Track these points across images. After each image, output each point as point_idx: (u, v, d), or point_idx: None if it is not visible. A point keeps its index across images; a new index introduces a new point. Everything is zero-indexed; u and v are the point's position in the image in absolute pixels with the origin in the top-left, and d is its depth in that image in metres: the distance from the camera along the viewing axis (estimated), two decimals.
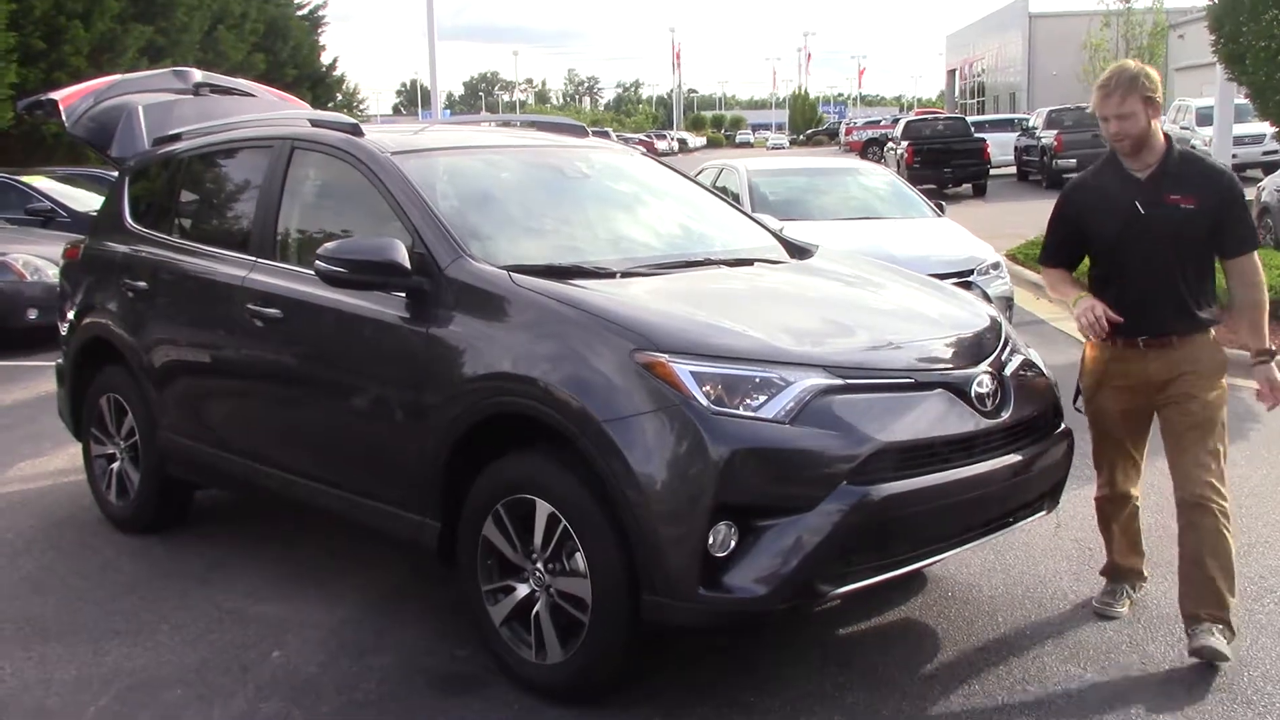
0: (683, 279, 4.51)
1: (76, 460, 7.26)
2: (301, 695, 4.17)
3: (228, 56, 25.09)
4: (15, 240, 12.10)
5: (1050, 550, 5.35)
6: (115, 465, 5.99)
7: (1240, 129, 29.54)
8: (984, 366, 4.07)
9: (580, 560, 3.86)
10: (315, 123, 5.25)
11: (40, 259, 11.50)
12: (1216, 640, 4.11)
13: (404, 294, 4.36)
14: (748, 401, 3.64)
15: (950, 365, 4.02)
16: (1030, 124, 35.30)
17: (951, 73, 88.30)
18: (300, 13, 31.28)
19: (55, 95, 6.60)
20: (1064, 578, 5.07)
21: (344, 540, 5.60)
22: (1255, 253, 4.35)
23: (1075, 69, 54.05)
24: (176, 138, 6.10)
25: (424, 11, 24.47)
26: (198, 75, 7.05)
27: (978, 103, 76.11)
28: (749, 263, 4.84)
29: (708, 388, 3.63)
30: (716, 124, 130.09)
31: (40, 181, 15.10)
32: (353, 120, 5.08)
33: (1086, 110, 32.93)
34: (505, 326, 4.08)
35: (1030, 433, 4.17)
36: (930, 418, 3.83)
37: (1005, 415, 4.02)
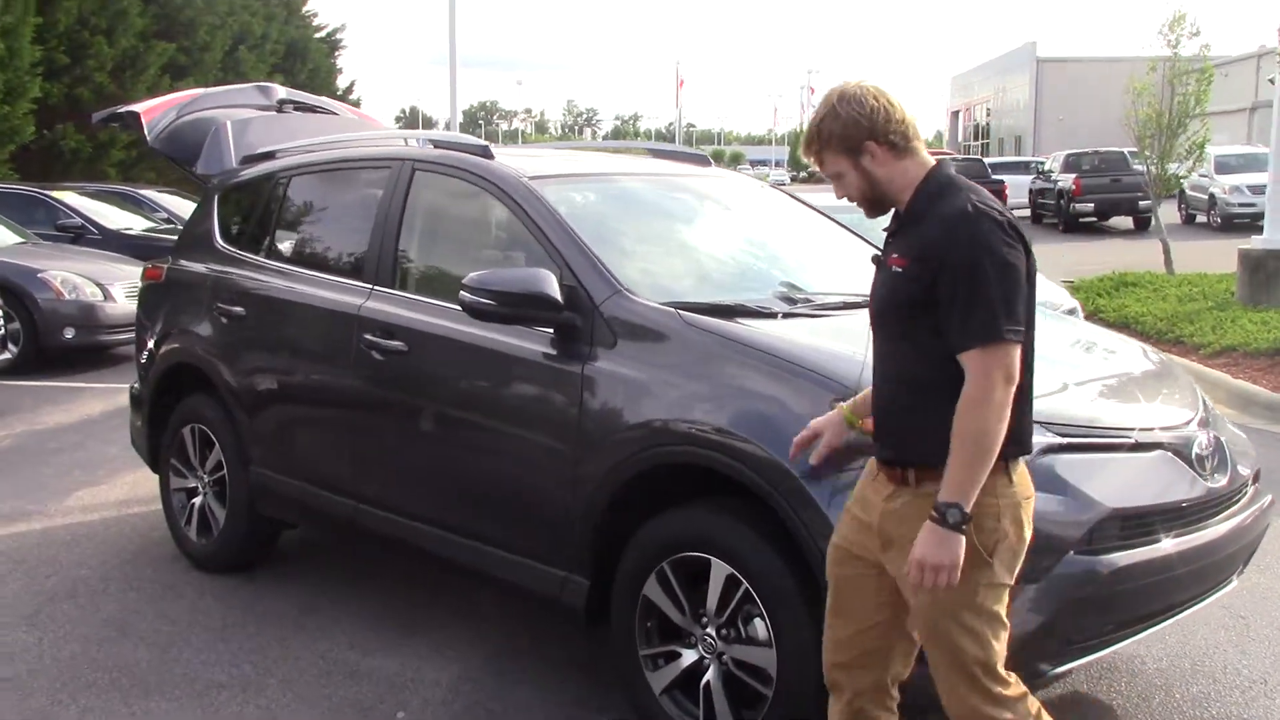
0: (853, 320, 4.19)
1: (137, 490, 6.95)
2: None
3: (248, 77, 24.78)
4: (51, 257, 11.79)
5: (1200, 619, 5.02)
6: (197, 500, 5.65)
7: (1259, 178, 29.58)
8: (1201, 427, 3.76)
9: (761, 627, 3.54)
10: (439, 143, 4.94)
11: (78, 276, 11.18)
12: None
13: (551, 330, 4.05)
14: None
15: (1169, 425, 3.71)
16: (1046, 167, 35.21)
17: (955, 114, 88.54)
18: (319, 35, 31.11)
19: (137, 108, 6.30)
20: (1227, 649, 4.75)
21: (444, 587, 5.27)
22: (990, 351, 2.70)
23: (1095, 113, 54.20)
24: (269, 155, 5.80)
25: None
26: (281, 92, 6.77)
27: (981, 145, 76.18)
28: None
29: None
30: (715, 159, 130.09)
31: (69, 197, 14.83)
32: (482, 141, 4.78)
33: (1107, 154, 32.76)
34: (676, 369, 3.76)
35: (1238, 497, 3.86)
36: (1154, 481, 3.52)
37: (1223, 479, 3.71)
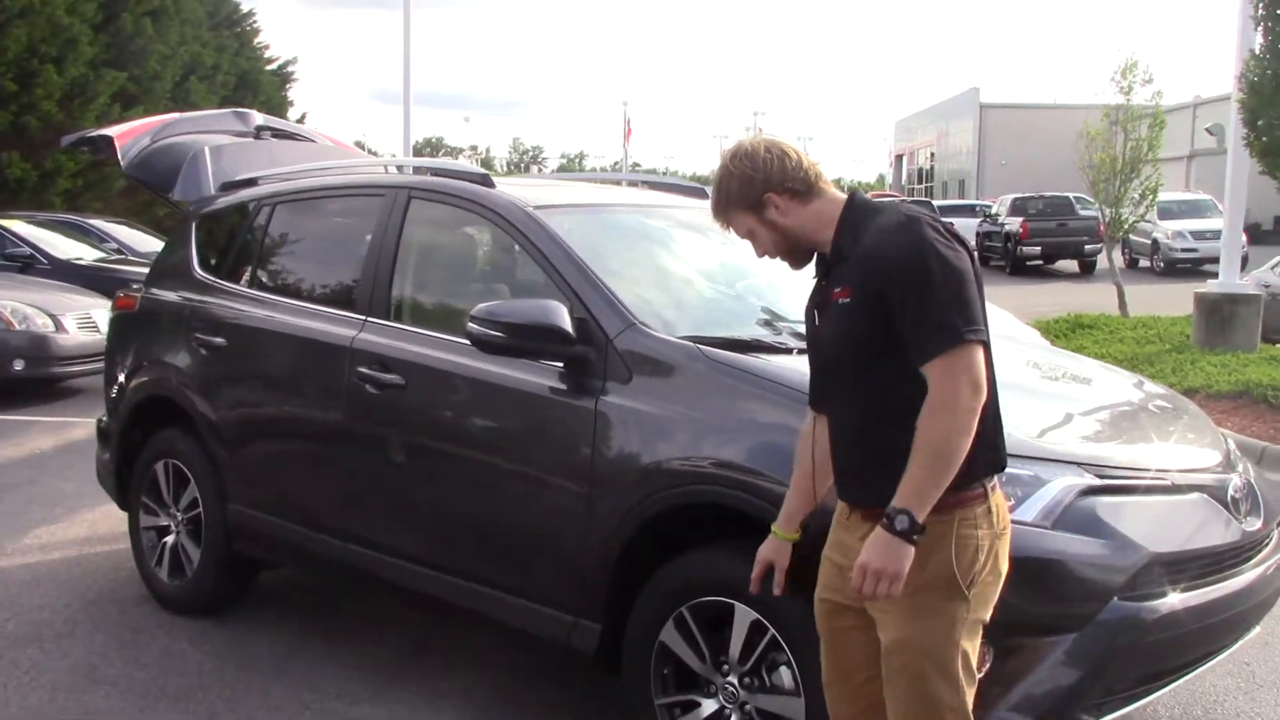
0: None
1: (98, 528, 6.69)
2: None
3: (198, 107, 24.42)
4: (0, 286, 11.41)
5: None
6: (169, 539, 5.40)
7: (1201, 224, 30.10)
8: (1229, 468, 3.68)
9: (787, 675, 3.39)
10: (438, 172, 4.78)
11: (29, 306, 10.85)
12: None
13: (560, 364, 3.90)
14: None
15: (1203, 466, 3.62)
16: (993, 210, 35.63)
17: (898, 158, 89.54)
18: (270, 67, 30.77)
19: (109, 132, 6.09)
20: (1237, 696, 4.66)
21: (432, 630, 5.07)
22: (952, 356, 2.58)
23: (1037, 158, 54.90)
24: (250, 182, 5.61)
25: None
26: (258, 118, 6.58)
27: (925, 188, 77.06)
28: None
29: None
30: None
31: (18, 226, 14.43)
32: (481, 170, 4.63)
33: (1054, 198, 33.19)
34: (698, 406, 3.61)
35: (1267, 542, 3.78)
36: (1194, 525, 3.43)
37: (1256, 522, 3.63)
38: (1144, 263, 31.67)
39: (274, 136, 6.50)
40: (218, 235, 5.59)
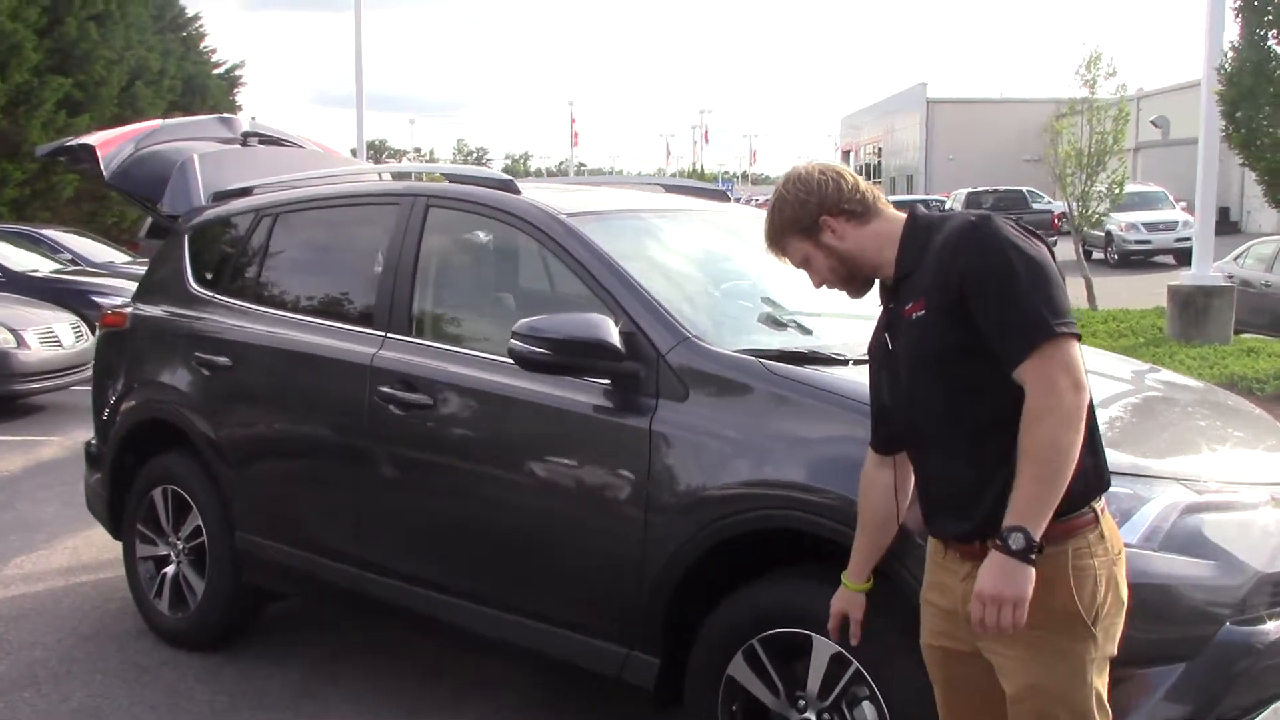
0: None
1: (81, 556, 6.38)
2: None
3: (145, 113, 23.87)
4: None
5: None
6: (169, 569, 5.11)
7: (1154, 216, 30.33)
8: None
9: (870, 711, 3.19)
10: (455, 178, 4.53)
11: None
12: None
13: (607, 381, 3.67)
14: None
15: None
16: (947, 205, 35.78)
17: (846, 154, 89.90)
18: (217, 71, 30.19)
19: (90, 140, 5.77)
20: None
21: (447, 660, 4.83)
22: (1044, 353, 2.40)
23: (984, 152, 55.23)
24: (246, 192, 5.33)
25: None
26: (245, 124, 6.29)
27: (873, 183, 77.26)
28: None
29: None
30: None
31: None
32: (505, 175, 4.38)
33: (1007, 192, 33.43)
34: (765, 424, 3.39)
35: None
36: None
37: None
38: (1097, 254, 31.88)
39: (261, 143, 6.21)
40: (214, 248, 5.29)
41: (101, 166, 5.65)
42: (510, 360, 3.82)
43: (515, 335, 3.62)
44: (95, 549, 6.43)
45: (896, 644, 3.08)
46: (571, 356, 3.58)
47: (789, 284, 4.56)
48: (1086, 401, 2.44)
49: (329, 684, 4.69)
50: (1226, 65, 11.55)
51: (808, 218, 2.74)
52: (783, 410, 3.38)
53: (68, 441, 9.49)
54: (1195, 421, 3.91)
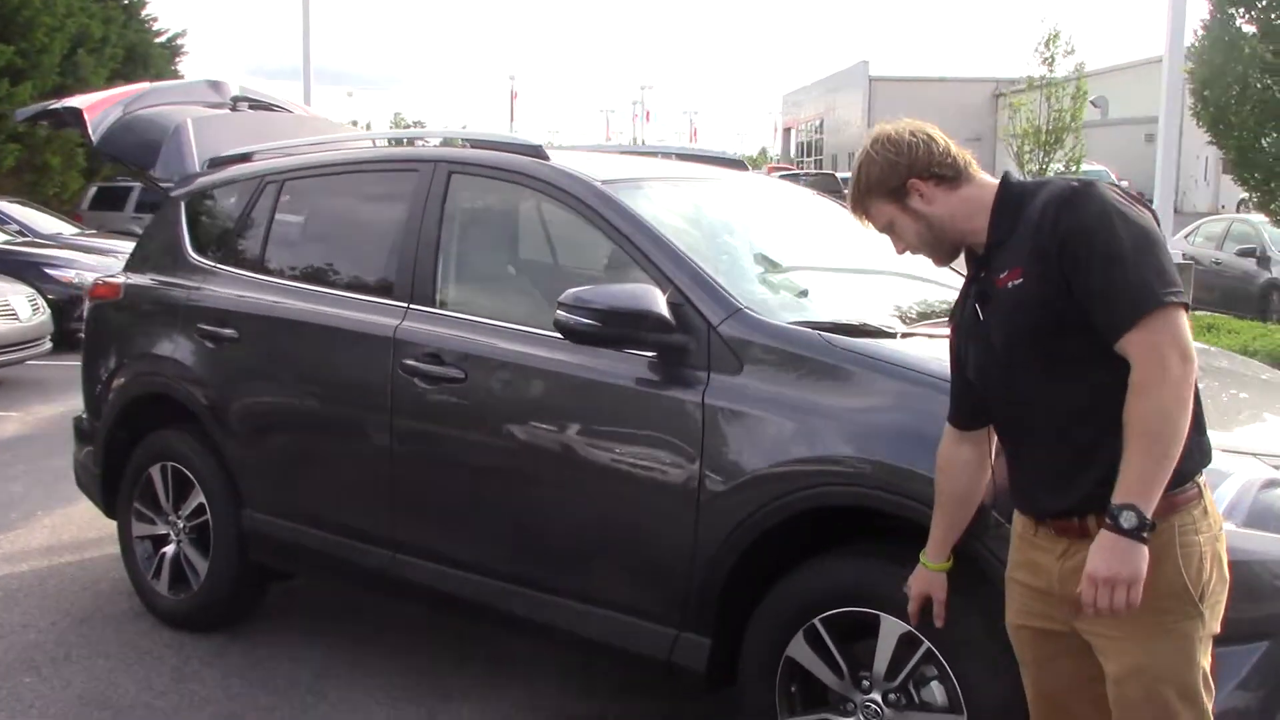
0: None
1: (61, 535, 6.17)
2: None
3: (88, 81, 23.27)
4: None
5: None
6: (169, 549, 4.93)
7: None
8: None
9: (938, 691, 3.11)
10: (480, 143, 4.36)
11: None
12: None
13: (653, 354, 3.55)
14: None
15: None
16: None
17: (787, 130, 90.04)
18: (159, 39, 29.45)
19: (76, 103, 5.54)
20: None
21: (473, 639, 4.71)
22: (1150, 323, 2.31)
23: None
24: (245, 158, 5.13)
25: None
26: (234, 88, 6.07)
27: (814, 160, 77.51)
28: None
29: None
30: None
31: None
32: (533, 140, 4.23)
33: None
34: (827, 398, 3.28)
35: None
36: None
37: None
38: None
39: (251, 108, 6.00)
40: (215, 216, 5.09)
41: (90, 130, 5.41)
42: (545, 332, 3.73)
43: (561, 306, 3.50)
44: (75, 527, 6.22)
45: (971, 624, 3.01)
46: (619, 328, 3.46)
47: (828, 251, 4.51)
48: (1195, 373, 2.37)
49: (351, 667, 4.53)
50: (1196, 44, 11.61)
51: (895, 180, 2.62)
52: (847, 384, 3.28)
53: (29, 417, 9.23)
54: (1259, 396, 3.87)
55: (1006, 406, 2.62)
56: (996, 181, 2.64)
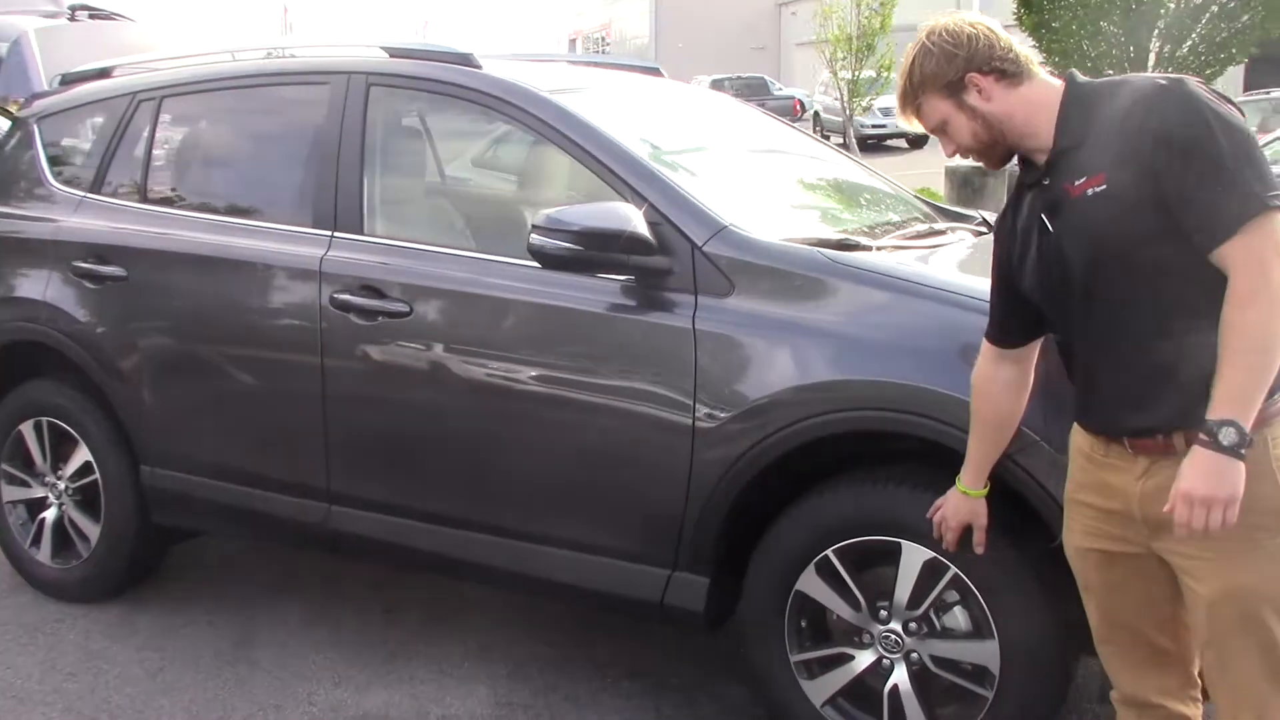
0: (952, 249, 3.69)
1: None
2: None
3: None
4: None
5: None
6: (49, 514, 4.44)
7: (890, 101, 31.31)
8: None
9: (962, 617, 3.02)
10: (399, 52, 3.95)
11: None
12: None
13: (628, 278, 3.30)
14: None
15: None
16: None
17: (572, 41, 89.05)
18: None
19: None
20: None
21: (395, 588, 4.41)
22: (1253, 229, 2.17)
23: (715, 40, 55.69)
24: (104, 73, 4.59)
25: None
26: None
27: None
28: (964, 230, 4.02)
29: None
30: None
31: None
32: (458, 49, 3.86)
33: (750, 79, 33.90)
34: (833, 318, 3.09)
35: None
36: None
37: None
38: (836, 139, 32.73)
39: (91, 17, 5.38)
40: (79, 140, 4.53)
41: None
42: (501, 259, 3.45)
43: (535, 229, 3.21)
44: None
45: (1000, 546, 2.91)
46: (600, 250, 3.19)
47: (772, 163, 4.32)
48: None
49: (277, 629, 4.16)
50: None
51: (953, 73, 2.42)
52: (852, 303, 3.11)
53: None
54: None
55: (1082, 321, 2.47)
56: (1061, 83, 2.48)
